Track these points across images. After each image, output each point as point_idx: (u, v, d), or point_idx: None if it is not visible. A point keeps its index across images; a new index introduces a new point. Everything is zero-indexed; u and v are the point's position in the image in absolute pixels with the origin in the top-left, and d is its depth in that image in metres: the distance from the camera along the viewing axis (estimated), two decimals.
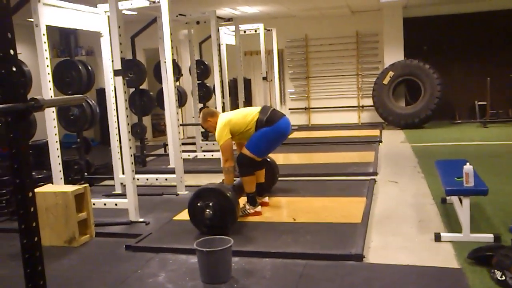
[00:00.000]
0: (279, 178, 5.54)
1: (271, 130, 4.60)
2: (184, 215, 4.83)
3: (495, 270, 3.07)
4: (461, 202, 3.85)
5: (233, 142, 4.75)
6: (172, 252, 3.82)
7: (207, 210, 4.08)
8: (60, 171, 4.79)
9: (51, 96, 4.66)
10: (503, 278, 2.98)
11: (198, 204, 4.14)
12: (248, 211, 4.65)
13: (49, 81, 4.66)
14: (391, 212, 4.69)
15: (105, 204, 4.95)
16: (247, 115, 4.66)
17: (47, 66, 4.63)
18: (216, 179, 6.30)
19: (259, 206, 4.72)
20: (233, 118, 4.64)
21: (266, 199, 5.02)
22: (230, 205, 4.12)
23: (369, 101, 11.40)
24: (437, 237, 3.81)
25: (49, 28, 4.68)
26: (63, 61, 5.85)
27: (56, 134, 4.74)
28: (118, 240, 4.23)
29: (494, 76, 10.37)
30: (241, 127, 4.60)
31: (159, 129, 11.87)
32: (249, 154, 4.59)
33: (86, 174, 5.96)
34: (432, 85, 10.39)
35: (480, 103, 10.66)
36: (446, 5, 10.86)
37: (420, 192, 5.33)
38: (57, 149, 4.75)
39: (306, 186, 5.89)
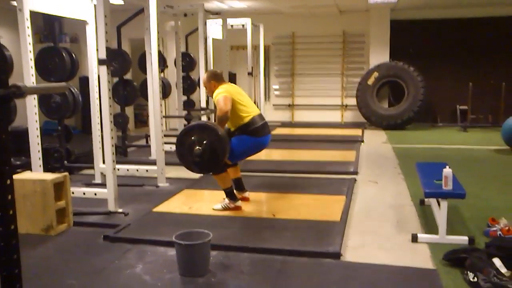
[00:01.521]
0: (260, 174, 5.55)
1: (253, 141, 4.61)
2: (164, 207, 4.83)
3: (468, 272, 3.13)
4: (439, 204, 3.90)
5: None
6: (150, 244, 3.81)
7: (197, 147, 4.07)
8: (39, 158, 4.74)
9: (33, 83, 4.59)
10: (475, 279, 3.04)
11: (187, 141, 4.14)
12: (228, 205, 4.66)
13: (31, 67, 4.58)
14: (370, 211, 4.73)
15: (84, 194, 4.92)
16: (247, 107, 4.61)
17: (30, 51, 4.55)
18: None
19: (239, 201, 4.73)
20: (234, 99, 4.52)
21: (246, 194, 5.02)
22: (220, 140, 4.12)
23: (352, 101, 11.47)
24: (414, 238, 3.86)
25: (33, 13, 4.60)
26: (47, 47, 5.77)
27: (36, 121, 4.67)
28: (96, 230, 4.20)
29: (476, 82, 10.52)
30: (233, 112, 4.51)
31: (142, 120, 11.79)
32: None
33: (66, 162, 5.91)
34: (415, 87, 10.50)
35: (461, 107, 10.81)
36: (433, 10, 10.96)
37: (400, 193, 5.39)
38: (37, 136, 4.68)
39: (287, 182, 5.91)
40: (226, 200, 4.68)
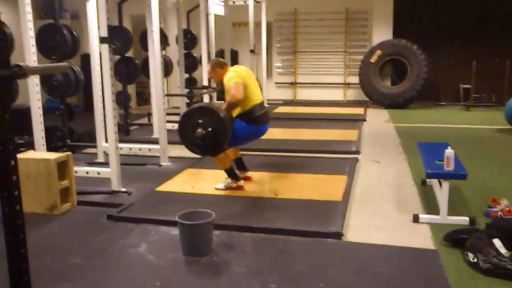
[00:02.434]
0: (262, 153, 5.55)
1: (252, 129, 4.61)
2: (166, 186, 4.85)
3: (468, 252, 3.16)
4: (440, 184, 3.92)
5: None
6: (153, 224, 3.84)
7: (199, 129, 4.10)
8: (42, 137, 4.73)
9: (34, 61, 4.57)
10: (475, 260, 3.07)
11: (190, 123, 4.17)
12: (231, 184, 4.67)
13: (33, 45, 4.55)
14: (371, 191, 4.75)
15: (87, 173, 4.93)
16: (252, 93, 4.59)
17: (31, 29, 4.51)
18: None
19: (241, 181, 4.74)
20: (245, 84, 4.48)
21: (249, 173, 5.03)
22: (222, 123, 4.14)
23: (355, 79, 11.41)
24: (415, 218, 3.88)
25: None
26: (47, 24, 5.71)
27: (39, 100, 4.66)
28: (99, 209, 4.23)
29: (479, 61, 10.43)
30: (240, 90, 4.42)
31: (144, 98, 11.76)
32: None
33: (68, 141, 5.91)
34: (418, 66, 10.43)
35: (464, 86, 10.75)
36: None
37: (401, 173, 5.40)
38: (40, 115, 4.68)
39: (289, 162, 5.93)
40: (229, 180, 4.69)
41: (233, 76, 4.45)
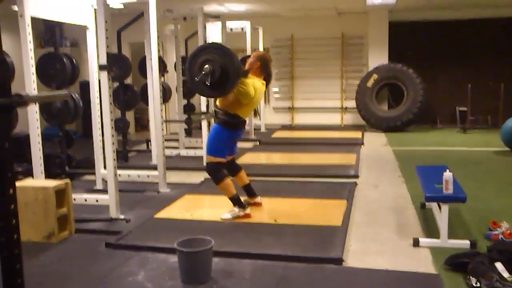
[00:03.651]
0: (261, 178, 5.55)
1: (229, 131, 4.56)
2: (165, 213, 4.83)
3: (471, 277, 3.14)
4: (440, 208, 3.91)
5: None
6: (152, 251, 3.80)
7: (206, 65, 4.08)
8: (41, 165, 4.73)
9: (34, 89, 4.60)
10: (478, 285, 3.05)
11: (197, 62, 4.15)
12: (238, 214, 4.58)
13: (33, 74, 4.59)
14: (371, 215, 4.74)
15: (86, 200, 4.91)
16: (248, 110, 4.61)
17: (31, 58, 4.56)
18: (199, 177, 6.32)
19: (248, 209, 4.66)
20: (254, 94, 4.45)
21: (258, 199, 4.99)
22: (230, 58, 4.12)
23: (352, 103, 11.48)
24: (416, 242, 3.87)
25: (34, 18, 4.61)
26: (48, 53, 5.78)
27: (38, 127, 4.67)
28: (98, 237, 4.20)
29: (474, 83, 10.53)
30: (247, 98, 4.42)
31: (142, 124, 11.80)
32: (214, 159, 4.55)
33: (67, 168, 5.91)
34: (415, 89, 10.51)
35: (460, 109, 10.84)
36: (431, 11, 10.97)
37: (400, 196, 5.40)
38: (39, 142, 4.69)
39: (288, 186, 5.92)
40: (235, 209, 4.60)
41: (248, 82, 4.42)
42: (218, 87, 4.23)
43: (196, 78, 4.18)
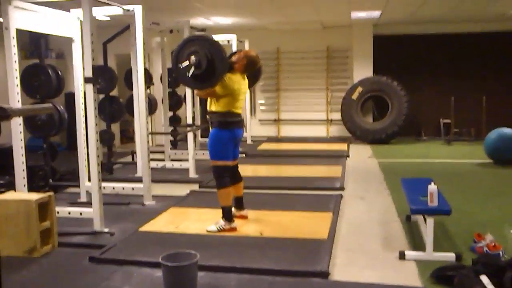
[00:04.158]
0: (247, 191, 5.52)
1: (228, 132, 4.57)
2: (150, 226, 4.78)
3: None
4: (425, 220, 3.93)
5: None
6: (136, 265, 3.76)
7: (192, 57, 4.11)
8: (24, 177, 4.66)
9: (18, 101, 4.55)
10: None
11: (184, 54, 4.19)
12: (224, 227, 4.56)
13: (17, 86, 4.55)
14: (357, 228, 4.75)
15: (69, 213, 4.85)
16: (235, 102, 4.57)
17: (16, 70, 4.52)
18: (184, 189, 6.29)
19: (234, 223, 4.64)
20: (234, 85, 4.50)
21: (244, 212, 4.97)
22: (215, 47, 4.17)
23: (337, 115, 11.53)
24: (402, 255, 3.88)
25: (19, 30, 4.58)
26: (32, 65, 5.75)
27: (21, 139, 4.61)
28: (81, 251, 4.14)
29: (458, 96, 10.67)
30: (226, 90, 4.46)
31: (128, 136, 11.72)
32: (218, 163, 4.58)
33: (51, 180, 5.84)
34: (399, 102, 10.61)
35: (444, 121, 10.96)
36: (415, 25, 11.12)
37: (386, 208, 5.42)
38: (22, 155, 4.62)
39: (274, 199, 5.91)
40: (221, 222, 4.58)
41: (228, 79, 4.46)
42: (203, 79, 4.26)
43: (180, 65, 4.23)
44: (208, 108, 4.69)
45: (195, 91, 4.55)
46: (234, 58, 4.67)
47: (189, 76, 4.22)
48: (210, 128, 4.71)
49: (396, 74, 10.99)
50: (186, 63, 4.18)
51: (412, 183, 4.74)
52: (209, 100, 4.68)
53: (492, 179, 7.12)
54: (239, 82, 4.60)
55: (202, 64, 4.17)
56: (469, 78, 11.28)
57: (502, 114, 10.69)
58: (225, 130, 4.57)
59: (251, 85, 4.95)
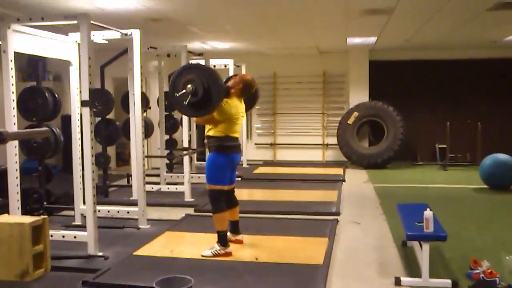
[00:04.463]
0: (242, 215, 5.51)
1: (225, 157, 4.58)
2: (145, 250, 4.75)
3: None
4: (421, 246, 3.92)
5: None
6: None
7: (189, 85, 4.14)
8: (18, 200, 4.63)
9: (14, 124, 4.55)
10: None
11: (180, 82, 4.23)
12: (219, 251, 4.53)
13: (13, 108, 4.55)
14: (352, 254, 4.72)
15: (63, 236, 4.82)
16: (233, 127, 4.60)
17: (13, 92, 4.53)
18: (180, 213, 6.26)
19: (229, 247, 4.61)
20: (231, 110, 4.53)
21: (240, 237, 4.94)
22: (211, 76, 4.21)
23: (333, 140, 11.57)
24: (397, 281, 3.85)
25: (17, 53, 4.60)
26: (29, 87, 5.76)
27: (16, 162, 4.60)
28: (75, 275, 4.09)
29: (453, 121, 10.74)
30: (223, 115, 4.50)
31: (124, 159, 11.70)
32: (214, 187, 4.57)
33: (45, 203, 5.80)
34: (395, 127, 10.67)
35: (440, 146, 11.01)
36: (410, 51, 11.26)
37: (382, 234, 5.40)
38: (17, 178, 4.60)
39: (269, 224, 5.88)
40: (216, 246, 4.55)
41: (225, 103, 4.49)
42: (199, 106, 4.30)
43: (176, 94, 4.27)
44: (206, 133, 4.71)
45: (193, 118, 4.56)
46: (230, 83, 4.71)
47: (186, 104, 4.25)
48: (208, 152, 4.71)
49: (392, 99, 11.08)
50: (183, 91, 4.21)
51: (408, 208, 4.74)
52: (207, 124, 4.71)
53: (488, 204, 7.12)
54: (236, 106, 4.63)
55: (199, 92, 4.21)
56: (464, 104, 11.39)
57: (497, 140, 10.77)
58: (222, 155, 4.58)
59: (249, 108, 5.00)
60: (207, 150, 4.75)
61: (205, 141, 4.72)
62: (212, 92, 4.25)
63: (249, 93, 4.81)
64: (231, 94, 4.63)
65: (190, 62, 7.09)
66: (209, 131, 4.63)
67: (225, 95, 4.48)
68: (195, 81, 4.22)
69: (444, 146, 10.83)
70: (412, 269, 4.18)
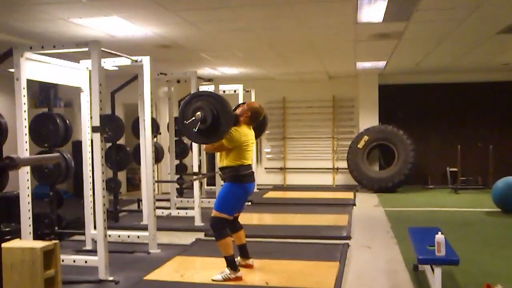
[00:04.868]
0: (253, 239, 5.49)
1: (240, 187, 4.59)
2: (155, 275, 4.74)
3: None
4: (433, 270, 3.87)
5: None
6: None
7: (198, 112, 4.16)
8: (29, 225, 4.67)
9: (26, 150, 4.62)
10: None
11: (190, 109, 4.27)
12: (229, 276, 4.51)
13: (26, 134, 4.63)
14: (363, 278, 4.67)
15: (74, 261, 4.83)
16: (244, 155, 4.60)
17: (25, 119, 4.61)
18: (190, 238, 6.25)
19: (240, 271, 4.60)
20: (241, 138, 4.54)
21: (250, 261, 4.93)
22: (220, 103, 4.24)
23: (344, 164, 11.55)
24: None
25: (29, 80, 4.70)
26: (41, 114, 5.86)
27: (28, 187, 4.66)
28: None
29: (464, 144, 10.68)
30: (233, 143, 4.50)
31: (134, 183, 11.75)
32: (220, 215, 4.55)
33: (56, 228, 5.83)
34: (405, 150, 10.63)
35: (451, 169, 10.92)
36: (420, 75, 11.29)
37: (393, 258, 5.34)
38: (28, 203, 4.65)
39: (280, 248, 5.85)
40: (227, 271, 4.54)
41: (234, 131, 4.51)
42: (209, 134, 4.34)
43: (186, 121, 4.31)
44: (218, 164, 4.74)
45: (203, 146, 4.60)
46: (238, 111, 4.74)
47: (195, 131, 4.30)
48: (222, 180, 4.71)
49: (401, 123, 11.08)
50: (192, 119, 4.27)
51: (419, 232, 4.70)
52: (218, 156, 4.75)
53: (501, 228, 7.03)
54: (246, 134, 4.64)
55: (208, 120, 4.26)
56: (475, 127, 11.33)
57: (509, 163, 10.66)
58: (238, 185, 4.59)
59: (258, 136, 5.01)
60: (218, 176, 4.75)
61: (219, 173, 4.72)
62: (221, 119, 4.29)
63: (257, 120, 4.83)
64: (240, 122, 4.66)
65: (199, 89, 7.17)
66: (222, 161, 4.65)
67: (234, 123, 4.52)
68: (204, 108, 4.27)
69: (455, 169, 10.75)
70: None
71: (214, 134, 4.36)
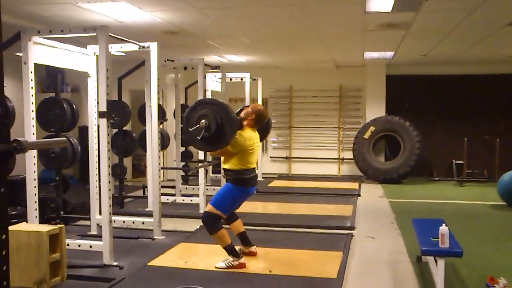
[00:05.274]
0: (257, 228, 5.51)
1: (242, 190, 4.60)
2: (159, 261, 4.77)
3: None
4: (436, 262, 3.88)
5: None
6: None
7: (202, 120, 4.16)
8: (36, 209, 4.71)
9: (33, 134, 4.64)
10: None
11: (194, 116, 4.26)
12: (232, 263, 4.53)
13: (33, 118, 4.64)
14: (366, 268, 4.69)
15: (79, 246, 4.87)
16: (250, 158, 4.59)
17: (32, 103, 4.62)
18: (194, 225, 6.28)
19: (243, 258, 4.61)
20: (245, 142, 4.51)
21: (253, 248, 4.95)
22: (225, 112, 4.24)
23: (349, 154, 11.53)
24: None
25: (36, 64, 4.70)
26: (48, 98, 5.86)
27: (35, 171, 4.68)
28: (90, 284, 4.15)
29: (471, 137, 10.62)
30: (237, 147, 4.49)
31: (140, 170, 11.80)
32: (215, 212, 4.52)
33: (62, 212, 5.87)
34: (411, 142, 10.60)
35: (457, 162, 10.88)
36: (428, 66, 11.22)
37: (396, 249, 5.35)
38: (35, 187, 4.68)
39: (284, 237, 5.87)
40: (230, 258, 4.56)
41: (239, 136, 4.49)
42: (213, 141, 4.34)
43: (190, 129, 4.30)
44: (222, 164, 4.73)
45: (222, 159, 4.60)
46: (242, 114, 4.73)
47: (199, 139, 4.29)
48: (225, 180, 4.73)
49: (408, 114, 11.03)
50: (196, 126, 4.26)
51: (423, 223, 4.70)
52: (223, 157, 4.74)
53: (506, 221, 7.01)
54: (251, 138, 4.62)
55: (212, 128, 4.25)
56: (482, 120, 11.28)
57: None
58: (239, 188, 4.59)
59: (262, 138, 4.99)
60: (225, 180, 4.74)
61: (223, 173, 4.72)
62: (225, 127, 4.28)
63: (262, 123, 4.81)
64: (244, 125, 4.65)
65: (206, 77, 7.15)
66: (226, 163, 4.64)
67: (238, 127, 4.50)
68: (208, 116, 4.26)
69: (461, 162, 10.71)
70: (427, 285, 4.14)
71: (218, 142, 4.36)
